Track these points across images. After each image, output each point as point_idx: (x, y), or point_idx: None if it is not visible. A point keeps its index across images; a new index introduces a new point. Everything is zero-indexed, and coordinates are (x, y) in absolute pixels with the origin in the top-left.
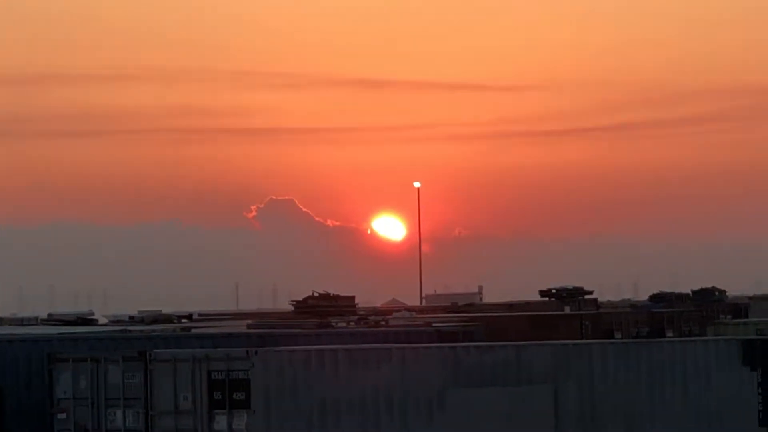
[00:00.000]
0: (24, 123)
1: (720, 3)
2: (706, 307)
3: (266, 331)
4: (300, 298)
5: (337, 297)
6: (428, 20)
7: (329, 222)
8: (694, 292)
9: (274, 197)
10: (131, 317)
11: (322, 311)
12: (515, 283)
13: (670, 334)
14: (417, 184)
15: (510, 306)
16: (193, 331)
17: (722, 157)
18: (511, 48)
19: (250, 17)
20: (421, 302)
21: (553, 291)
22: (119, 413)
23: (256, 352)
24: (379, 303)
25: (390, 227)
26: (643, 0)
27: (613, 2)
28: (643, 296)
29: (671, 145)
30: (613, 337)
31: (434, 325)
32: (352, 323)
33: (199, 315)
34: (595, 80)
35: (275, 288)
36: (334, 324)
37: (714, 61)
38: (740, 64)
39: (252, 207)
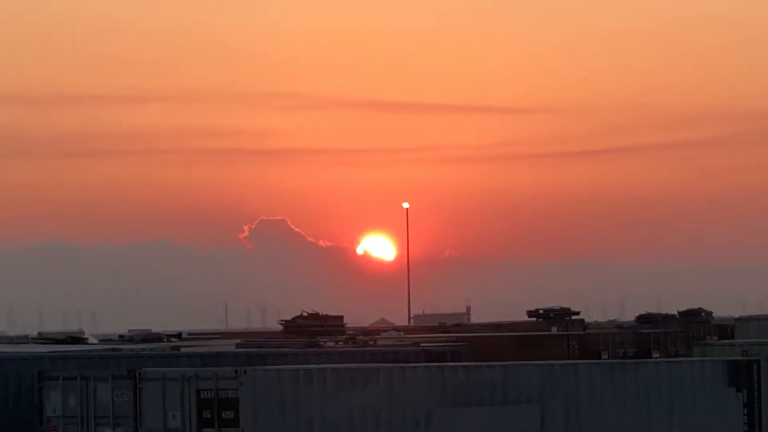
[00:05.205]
0: (15, 144)
1: (723, 31)
2: (692, 328)
3: (255, 350)
4: (289, 318)
5: (325, 317)
6: (438, 43)
7: (321, 242)
8: (680, 313)
9: (266, 218)
10: (121, 336)
11: (310, 331)
12: (503, 304)
13: (656, 354)
14: (405, 205)
15: (497, 326)
16: (183, 350)
17: (710, 181)
18: (520, 71)
19: (240, 41)
20: (409, 322)
21: (541, 311)
22: (108, 431)
23: (244, 371)
24: (367, 323)
25: (381, 248)
26: (647, 27)
27: (617, 29)
28: (630, 317)
29: (660, 169)
30: (599, 358)
31: (422, 345)
32: (340, 343)
33: (189, 334)
34: (590, 105)
35: (264, 307)
36: (322, 343)
37: (712, 87)
38: (737, 90)
39: (244, 227)
